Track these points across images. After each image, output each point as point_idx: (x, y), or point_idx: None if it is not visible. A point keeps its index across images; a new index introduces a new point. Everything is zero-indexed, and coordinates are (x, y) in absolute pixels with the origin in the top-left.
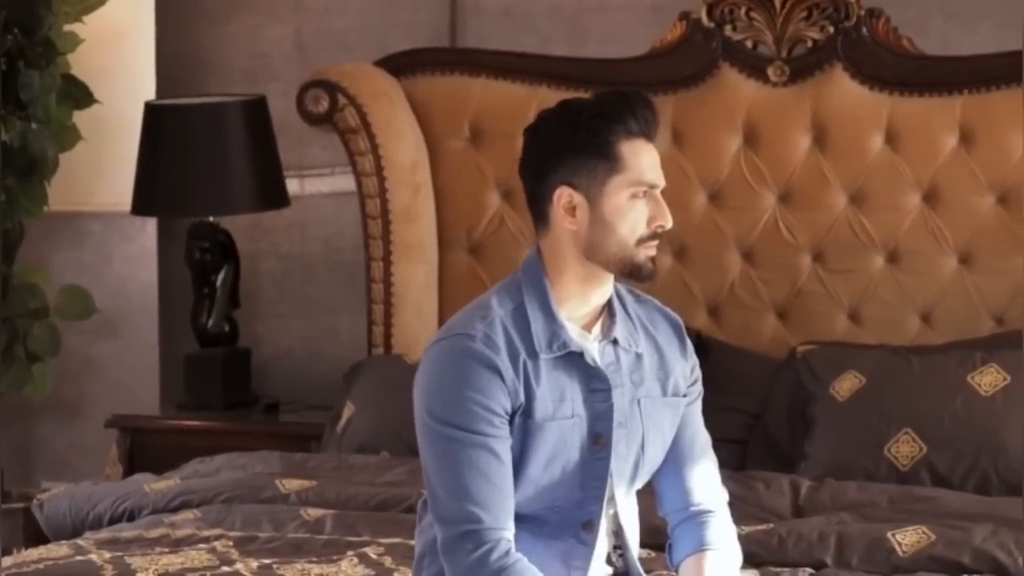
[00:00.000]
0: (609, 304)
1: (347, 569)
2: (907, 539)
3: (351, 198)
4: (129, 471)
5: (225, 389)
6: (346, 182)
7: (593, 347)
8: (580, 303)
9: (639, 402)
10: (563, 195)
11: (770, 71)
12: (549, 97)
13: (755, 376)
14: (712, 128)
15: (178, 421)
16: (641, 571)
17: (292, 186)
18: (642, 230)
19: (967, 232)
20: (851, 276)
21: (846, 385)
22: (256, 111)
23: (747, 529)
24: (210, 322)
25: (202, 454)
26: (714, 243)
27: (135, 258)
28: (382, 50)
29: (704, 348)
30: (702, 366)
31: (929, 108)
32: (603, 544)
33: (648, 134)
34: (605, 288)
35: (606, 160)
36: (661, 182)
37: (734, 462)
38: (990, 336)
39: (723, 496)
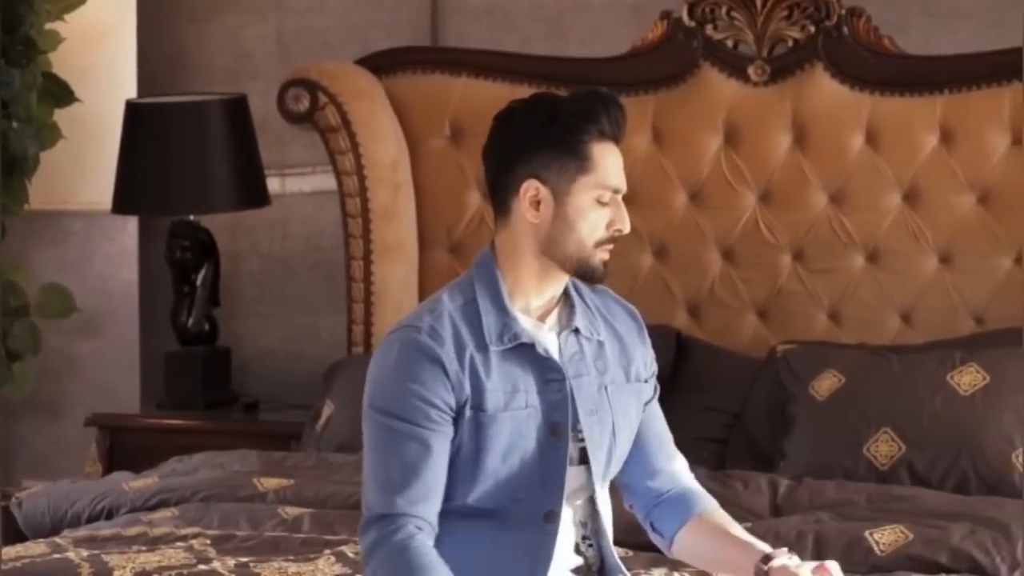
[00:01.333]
0: (566, 295)
1: (324, 568)
2: (885, 538)
3: (332, 197)
4: (109, 470)
5: (205, 388)
6: (327, 181)
7: (548, 337)
8: (535, 296)
9: (606, 388)
10: (530, 188)
11: (751, 70)
12: None
13: (735, 375)
14: (693, 127)
15: (157, 420)
16: (618, 561)
17: (273, 185)
18: (601, 233)
19: (947, 232)
20: (831, 275)
21: (825, 384)
22: (237, 110)
23: None
24: (190, 321)
25: (182, 453)
26: (694, 242)
27: (116, 257)
28: (363, 49)
29: (684, 347)
30: (682, 365)
31: (910, 107)
32: (570, 535)
33: (617, 137)
34: (560, 282)
35: (577, 159)
36: (624, 187)
37: (714, 461)
38: (970, 336)
39: (684, 464)
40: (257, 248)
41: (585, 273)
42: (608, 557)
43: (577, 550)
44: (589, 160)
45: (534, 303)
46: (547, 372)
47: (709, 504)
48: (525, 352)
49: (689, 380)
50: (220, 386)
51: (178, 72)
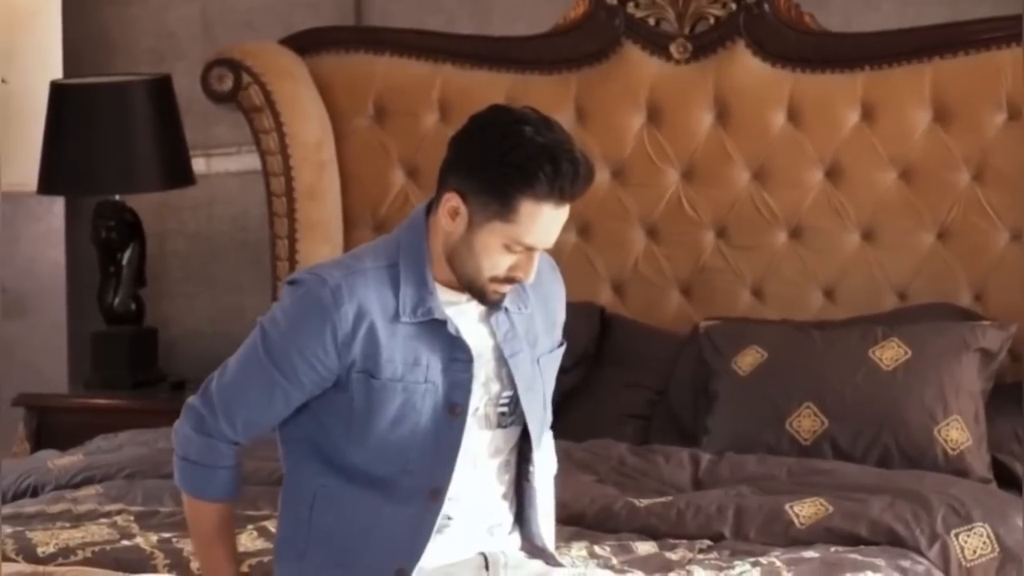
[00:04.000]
0: None
1: (247, 543)
2: (804, 511)
3: (257, 177)
4: (36, 449)
5: (132, 368)
6: (252, 161)
7: (466, 309)
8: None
9: (539, 362)
10: (453, 199)
11: (673, 48)
12: (453, 75)
13: (659, 352)
14: (615, 105)
15: (84, 399)
16: (539, 530)
17: (199, 165)
18: (500, 271)
19: (869, 208)
20: (754, 252)
21: (748, 360)
22: (161, 90)
23: (646, 502)
24: (116, 301)
25: (108, 432)
26: (618, 220)
27: (43, 238)
28: (287, 29)
29: (608, 324)
30: (606, 342)
31: (831, 84)
32: (494, 491)
33: (561, 197)
34: None
35: (501, 207)
36: (543, 246)
37: (638, 437)
38: (892, 311)
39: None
40: (183, 228)
41: (476, 296)
42: (531, 523)
43: (500, 503)
44: (514, 213)
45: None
46: (455, 351)
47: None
48: (436, 329)
49: (613, 357)
50: (147, 366)
51: (103, 53)
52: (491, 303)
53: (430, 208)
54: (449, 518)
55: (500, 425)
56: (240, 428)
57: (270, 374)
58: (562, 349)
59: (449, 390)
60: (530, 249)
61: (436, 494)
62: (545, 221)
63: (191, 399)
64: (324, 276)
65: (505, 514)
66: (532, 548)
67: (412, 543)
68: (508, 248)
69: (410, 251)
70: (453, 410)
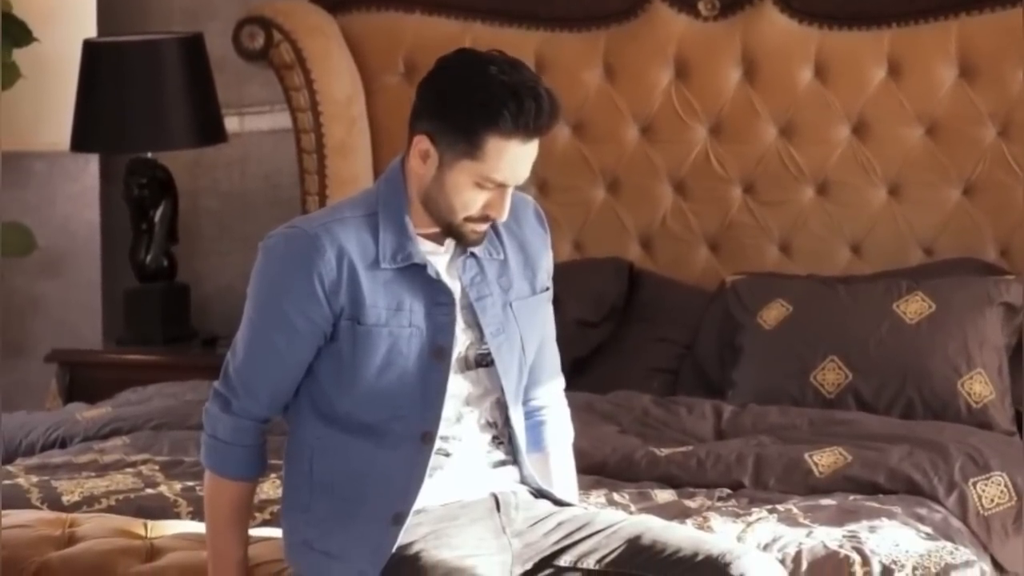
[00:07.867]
0: None
1: (269, 491)
2: (824, 460)
3: (290, 135)
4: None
5: (164, 324)
6: (285, 119)
7: (443, 260)
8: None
9: (511, 305)
10: (422, 142)
11: (701, 5)
12: (483, 33)
13: (686, 307)
14: (644, 62)
15: (116, 355)
16: (532, 471)
17: (231, 123)
18: (473, 211)
19: (896, 163)
20: (781, 208)
21: (773, 314)
22: (193, 48)
23: (666, 451)
24: (148, 258)
25: (139, 387)
26: (646, 176)
27: (78, 197)
28: None
29: (637, 280)
30: (634, 297)
31: (858, 41)
32: (478, 440)
33: (527, 133)
34: None
35: (468, 144)
36: (514, 182)
37: (665, 391)
38: (918, 266)
39: (559, 384)
40: (217, 186)
41: (454, 237)
42: (523, 467)
43: (495, 443)
44: (480, 150)
45: (433, 227)
46: (437, 295)
47: (557, 443)
48: (417, 273)
49: (641, 312)
50: (179, 322)
51: (136, 12)
52: (470, 243)
53: (404, 160)
54: (447, 455)
55: (480, 364)
56: (266, 402)
57: (273, 342)
58: (547, 294)
59: (434, 333)
60: (501, 186)
61: (427, 437)
62: (512, 157)
63: (216, 383)
64: (302, 227)
65: (502, 453)
66: (538, 488)
67: (407, 487)
68: (479, 186)
69: (388, 200)
70: (439, 353)
